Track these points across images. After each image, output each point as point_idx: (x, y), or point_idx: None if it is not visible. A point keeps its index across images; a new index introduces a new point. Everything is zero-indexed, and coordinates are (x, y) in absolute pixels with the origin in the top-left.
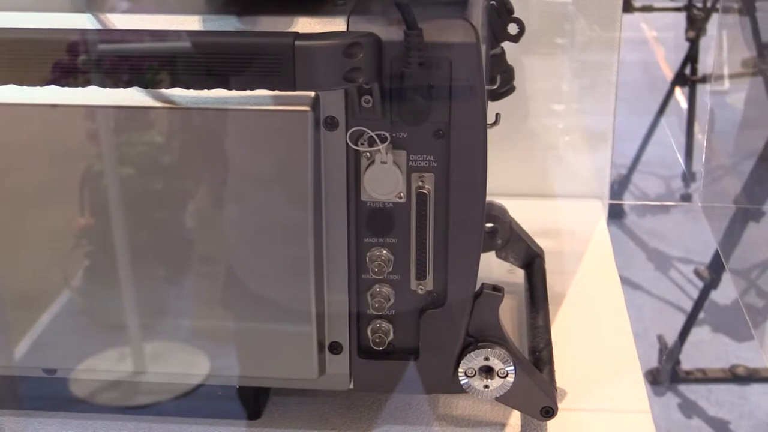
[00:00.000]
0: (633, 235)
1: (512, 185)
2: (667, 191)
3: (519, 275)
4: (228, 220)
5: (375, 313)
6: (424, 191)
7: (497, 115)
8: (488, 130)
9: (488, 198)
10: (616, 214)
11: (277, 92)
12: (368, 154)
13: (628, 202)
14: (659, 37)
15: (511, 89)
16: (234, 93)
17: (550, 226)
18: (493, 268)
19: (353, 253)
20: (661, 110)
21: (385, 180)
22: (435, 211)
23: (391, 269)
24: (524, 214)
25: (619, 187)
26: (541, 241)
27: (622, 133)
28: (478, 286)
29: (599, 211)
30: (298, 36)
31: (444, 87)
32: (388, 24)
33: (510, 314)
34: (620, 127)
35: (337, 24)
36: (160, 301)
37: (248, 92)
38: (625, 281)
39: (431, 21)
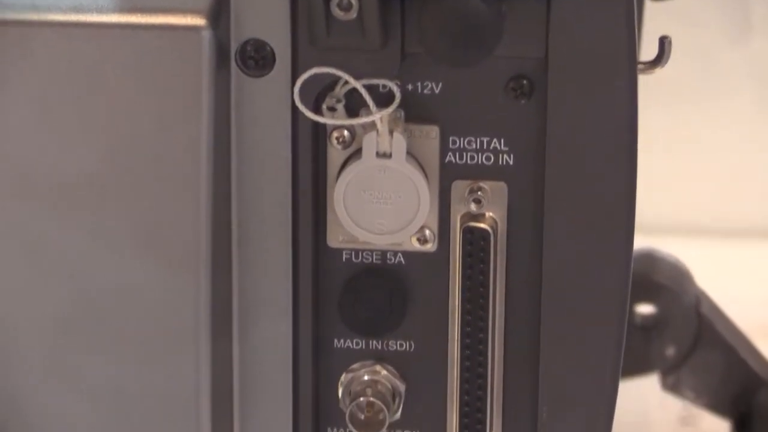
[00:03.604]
0: None
1: (707, 210)
2: None
3: None
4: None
5: None
6: (482, 227)
7: (664, 40)
8: (641, 77)
9: (643, 240)
10: None
11: None
12: (346, 133)
13: None
14: None
15: None
16: None
17: None
18: (650, 414)
19: (308, 373)
20: None
21: (389, 198)
22: (510, 274)
23: (398, 414)
24: (736, 281)
25: None
26: None
27: None
28: None
29: None
30: None
31: None
32: None
33: None
34: None
35: None
36: None
37: None
38: None
39: None
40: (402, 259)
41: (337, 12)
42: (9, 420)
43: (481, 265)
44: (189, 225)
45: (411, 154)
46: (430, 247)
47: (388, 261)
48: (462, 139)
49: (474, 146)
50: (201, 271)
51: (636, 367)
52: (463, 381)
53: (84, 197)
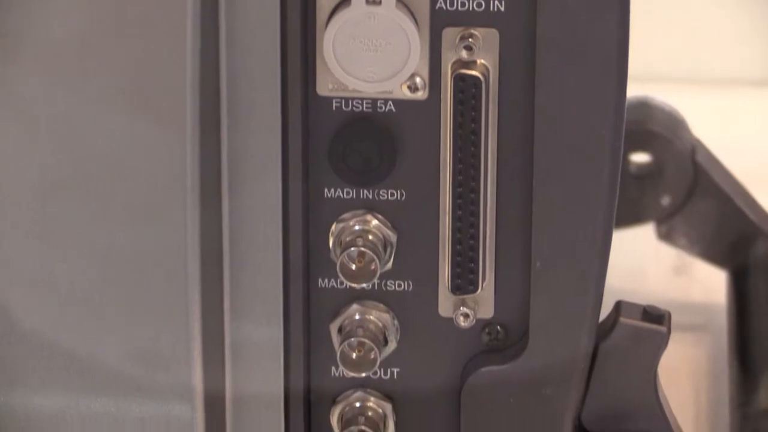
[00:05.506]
0: None
1: (702, 58)
2: None
3: (711, 283)
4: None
5: (348, 373)
6: (474, 74)
7: None
8: None
9: (638, 89)
10: None
11: None
12: None
13: None
14: None
15: None
16: None
17: None
18: (644, 263)
19: (299, 224)
20: None
21: (379, 46)
22: (502, 123)
23: (390, 264)
24: (732, 129)
25: None
26: None
27: None
28: (606, 309)
29: None
30: None
31: None
32: None
33: (687, 380)
34: None
35: None
36: None
37: None
38: None
39: None
40: (392, 107)
41: None
42: None
43: (473, 113)
44: (176, 80)
45: (401, 1)
46: (420, 95)
47: (379, 109)
48: None
49: None
50: (189, 127)
51: (630, 217)
52: (455, 231)
53: (70, 57)
